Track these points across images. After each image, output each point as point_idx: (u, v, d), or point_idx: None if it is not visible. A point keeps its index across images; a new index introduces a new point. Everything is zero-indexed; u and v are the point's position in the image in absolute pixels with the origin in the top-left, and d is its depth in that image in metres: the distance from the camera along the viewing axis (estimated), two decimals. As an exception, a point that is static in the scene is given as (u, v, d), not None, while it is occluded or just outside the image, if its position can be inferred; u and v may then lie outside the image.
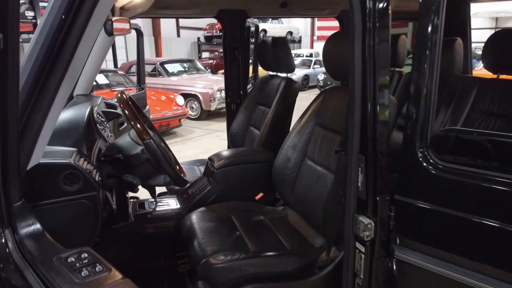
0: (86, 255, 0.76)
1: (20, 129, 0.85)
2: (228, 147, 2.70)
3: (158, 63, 9.20)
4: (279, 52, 2.20)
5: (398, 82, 2.57)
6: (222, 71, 9.61)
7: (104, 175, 1.29)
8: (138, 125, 1.25)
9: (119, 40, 15.82)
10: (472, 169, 1.09)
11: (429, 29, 1.09)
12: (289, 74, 2.28)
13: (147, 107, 3.41)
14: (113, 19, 1.56)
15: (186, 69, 9.59)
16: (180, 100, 7.45)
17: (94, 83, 7.27)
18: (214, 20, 11.64)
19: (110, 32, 1.55)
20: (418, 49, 1.14)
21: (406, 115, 1.19)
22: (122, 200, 1.71)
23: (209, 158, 2.07)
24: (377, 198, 1.22)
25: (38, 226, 0.81)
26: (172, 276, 1.82)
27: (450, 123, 2.08)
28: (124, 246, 1.79)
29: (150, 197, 1.71)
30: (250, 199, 1.96)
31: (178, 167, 1.60)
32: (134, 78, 8.97)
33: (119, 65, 10.87)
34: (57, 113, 0.95)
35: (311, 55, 15.49)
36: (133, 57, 13.76)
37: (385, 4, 1.10)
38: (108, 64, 13.07)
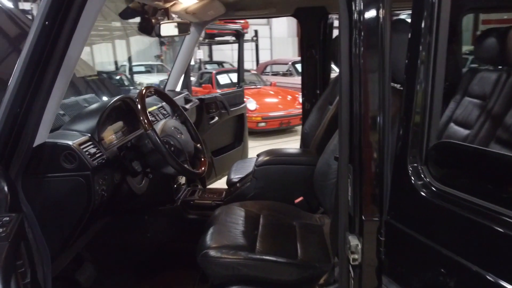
0: (7, 218, 0.91)
1: (22, 115, 1.07)
2: (300, 147, 2.65)
3: (290, 63, 9.49)
4: None
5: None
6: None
7: (127, 160, 1.47)
8: (142, 117, 1.39)
9: (265, 42, 16.91)
10: (474, 198, 0.84)
11: (423, 24, 0.88)
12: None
13: (243, 104, 3.60)
14: (161, 23, 1.74)
15: (317, 69, 9.61)
16: (303, 100, 7.53)
17: (229, 81, 7.93)
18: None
19: (158, 34, 1.74)
20: (411, 43, 0.93)
21: (399, 120, 1.00)
22: (166, 185, 1.90)
23: (257, 155, 2.09)
24: (362, 217, 1.06)
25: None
26: None
27: None
28: (168, 226, 1.98)
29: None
30: (289, 202, 1.90)
31: (203, 159, 1.68)
32: (267, 77, 9.48)
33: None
34: (56, 101, 1.15)
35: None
36: (277, 57, 14.51)
37: (373, 12, 0.94)
38: (251, 64, 14.13)
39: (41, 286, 1.14)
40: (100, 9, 1.13)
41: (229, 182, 2.26)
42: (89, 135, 1.33)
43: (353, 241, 1.08)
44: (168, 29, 1.74)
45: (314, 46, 2.54)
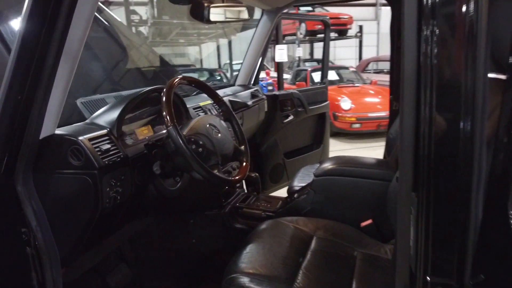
0: None
1: (24, 103, 0.97)
2: (384, 157, 2.21)
3: (395, 60, 8.62)
4: None
5: None
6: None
7: (157, 159, 1.29)
8: (164, 111, 1.18)
9: (371, 38, 15.85)
10: None
11: None
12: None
13: (326, 102, 3.24)
14: (211, 6, 1.54)
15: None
16: (406, 101, 6.72)
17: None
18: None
19: (207, 19, 1.54)
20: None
21: (494, 144, 0.60)
22: (212, 189, 1.70)
23: (320, 162, 1.75)
24: (427, 278, 0.69)
25: None
26: None
27: None
28: (213, 234, 1.78)
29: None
30: (353, 224, 1.53)
31: (244, 163, 1.42)
32: (368, 75, 8.77)
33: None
34: (61, 89, 1.02)
35: None
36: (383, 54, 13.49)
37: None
38: (354, 62, 13.39)
39: None
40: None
41: (289, 190, 1.96)
42: (107, 129, 1.19)
43: None
44: (219, 13, 1.52)
45: None
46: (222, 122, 1.45)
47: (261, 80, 10.45)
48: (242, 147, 1.46)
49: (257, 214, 1.73)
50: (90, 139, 1.10)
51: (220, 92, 2.21)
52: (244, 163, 1.42)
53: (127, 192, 1.22)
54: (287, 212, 1.66)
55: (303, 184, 1.91)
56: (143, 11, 9.53)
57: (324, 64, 3.32)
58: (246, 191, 2.05)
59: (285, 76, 10.97)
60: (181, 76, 1.35)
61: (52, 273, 1.11)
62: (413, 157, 0.71)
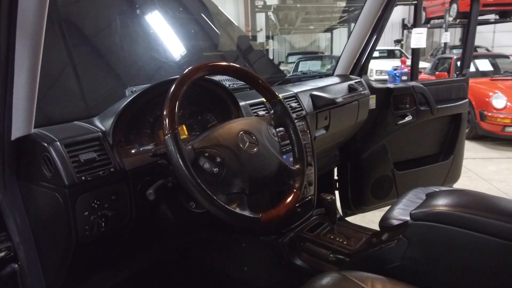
0: None
1: None
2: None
3: None
4: None
5: None
6: None
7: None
8: (165, 111, 0.81)
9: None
10: None
11: None
12: None
13: (465, 100, 2.43)
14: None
15: None
16: None
17: (473, 69, 6.38)
18: None
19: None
20: None
21: None
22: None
23: (427, 194, 1.18)
24: None
25: None
26: None
27: None
28: (268, 264, 1.39)
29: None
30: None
31: (294, 192, 0.97)
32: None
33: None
34: (25, 76, 0.76)
35: None
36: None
37: None
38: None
39: None
40: None
41: (382, 222, 1.40)
42: (100, 132, 0.90)
43: None
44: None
45: None
46: (271, 128, 1.02)
47: (395, 69, 9.32)
48: (297, 166, 1.01)
49: (323, 254, 1.27)
50: (68, 145, 0.83)
51: (310, 84, 1.76)
52: (294, 192, 0.97)
53: (125, 216, 0.93)
54: (365, 260, 1.16)
55: (405, 219, 1.33)
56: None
57: (466, 50, 2.50)
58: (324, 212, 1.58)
59: (425, 65, 9.53)
60: (211, 62, 0.96)
61: None
62: None
